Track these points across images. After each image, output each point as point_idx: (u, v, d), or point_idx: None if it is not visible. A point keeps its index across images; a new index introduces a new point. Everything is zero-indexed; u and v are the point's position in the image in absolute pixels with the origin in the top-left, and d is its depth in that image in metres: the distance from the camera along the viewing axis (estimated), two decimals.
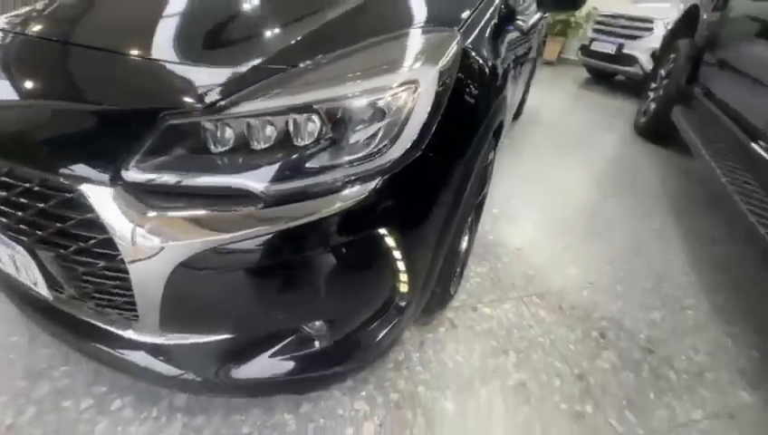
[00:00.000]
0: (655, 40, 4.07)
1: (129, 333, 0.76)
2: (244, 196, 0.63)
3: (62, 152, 0.64)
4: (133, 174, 0.62)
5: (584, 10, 5.85)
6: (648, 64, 4.15)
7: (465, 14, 0.91)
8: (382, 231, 0.72)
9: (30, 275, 0.76)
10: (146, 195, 0.63)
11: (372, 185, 0.67)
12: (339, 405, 1.05)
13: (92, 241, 0.65)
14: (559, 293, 1.50)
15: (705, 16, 2.62)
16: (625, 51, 4.39)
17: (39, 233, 0.67)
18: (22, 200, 0.67)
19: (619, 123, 3.70)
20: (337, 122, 0.65)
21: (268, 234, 0.63)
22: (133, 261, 0.63)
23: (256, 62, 0.69)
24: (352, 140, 0.65)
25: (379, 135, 0.67)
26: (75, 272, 0.70)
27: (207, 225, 0.62)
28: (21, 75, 0.74)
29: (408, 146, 0.70)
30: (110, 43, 0.75)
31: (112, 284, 0.70)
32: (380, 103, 0.66)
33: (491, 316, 1.37)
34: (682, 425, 1.08)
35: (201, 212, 0.62)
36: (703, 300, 1.55)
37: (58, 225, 0.65)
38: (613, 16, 4.67)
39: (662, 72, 3.19)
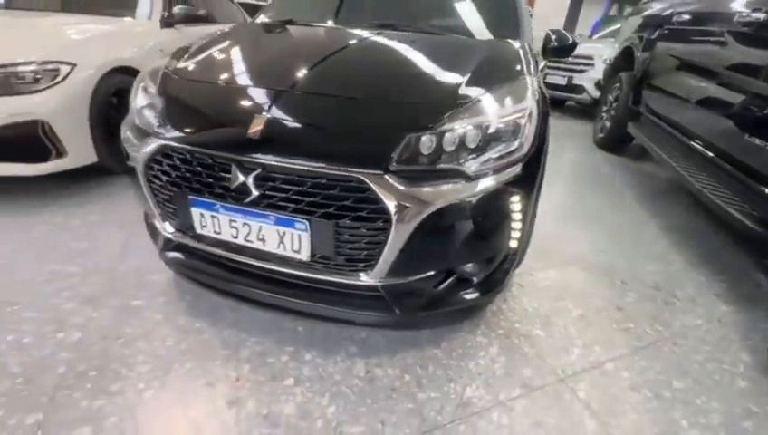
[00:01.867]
0: (596, 72, 5.03)
1: (361, 280, 1.12)
2: (453, 175, 1.05)
3: (348, 156, 1.02)
4: (395, 166, 1.02)
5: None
6: (593, 92, 5.08)
7: (532, 65, 1.43)
8: (520, 197, 1.16)
9: (294, 245, 1.10)
10: (403, 179, 1.02)
11: (519, 167, 1.13)
12: (466, 341, 1.43)
13: (367, 211, 1.02)
14: (583, 258, 2.00)
15: (638, 55, 3.47)
16: (574, 82, 5.34)
17: (324, 210, 1.03)
18: (310, 189, 1.03)
19: (579, 139, 4.49)
20: (497, 132, 1.11)
21: (470, 199, 1.05)
22: (396, 221, 1.01)
23: (449, 99, 1.14)
24: (506, 142, 1.11)
25: (518, 139, 1.13)
26: (341, 236, 1.06)
27: (439, 194, 1.03)
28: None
29: (531, 143, 1.16)
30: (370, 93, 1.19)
31: (371, 240, 1.06)
32: (517, 121, 1.13)
33: (544, 278, 1.82)
34: (693, 328, 1.58)
35: (437, 187, 1.03)
36: (678, 255, 2.12)
37: (342, 203, 1.02)
38: None
39: (610, 97, 4.03)
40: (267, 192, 1.07)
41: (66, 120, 2.16)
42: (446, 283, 1.20)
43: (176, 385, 1.19)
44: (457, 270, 1.21)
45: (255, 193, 1.07)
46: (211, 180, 1.12)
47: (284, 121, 1.10)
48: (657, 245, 2.22)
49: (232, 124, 1.12)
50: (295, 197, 1.05)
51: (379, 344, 1.40)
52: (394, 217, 1.01)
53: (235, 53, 1.46)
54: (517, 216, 1.22)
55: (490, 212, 1.12)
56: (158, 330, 1.39)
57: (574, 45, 2.17)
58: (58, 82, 2.13)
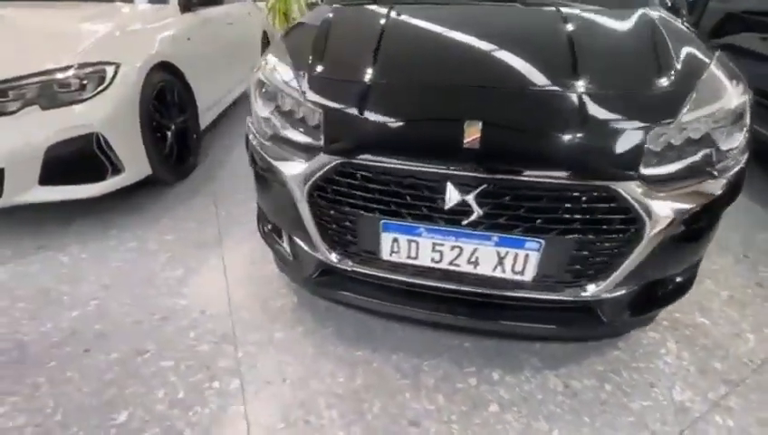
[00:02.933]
0: None
1: (583, 295, 1.01)
2: (700, 174, 0.95)
3: (593, 163, 0.89)
4: (645, 170, 0.90)
5: None
6: None
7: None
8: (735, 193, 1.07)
9: (516, 266, 0.98)
10: (654, 183, 0.90)
11: (746, 157, 1.03)
12: (640, 338, 1.37)
13: (616, 222, 0.90)
14: None
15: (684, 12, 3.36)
16: None
17: (563, 226, 0.91)
18: (546, 204, 0.90)
19: None
20: (726, 121, 0.99)
21: (715, 197, 0.95)
22: (650, 230, 0.90)
23: (669, 87, 1.00)
24: (734, 131, 1.00)
25: (744, 127, 1.02)
26: (580, 252, 0.95)
27: (693, 196, 0.92)
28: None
29: (749, 131, 1.06)
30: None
31: (611, 253, 0.95)
32: (739, 109, 1.01)
33: None
34: None
35: (690, 189, 0.92)
36: None
37: (586, 216, 0.90)
38: None
39: None
40: (491, 211, 0.93)
41: (120, 130, 1.88)
42: (655, 287, 1.12)
43: (379, 429, 1.08)
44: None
45: (478, 212, 0.92)
46: (414, 201, 0.96)
47: (503, 126, 0.94)
48: (752, 211, 2.20)
49: (438, 133, 0.96)
50: (527, 214, 0.92)
51: (557, 353, 1.31)
52: (648, 226, 0.90)
53: (386, 42, 1.22)
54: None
55: (720, 209, 1.03)
56: (330, 367, 1.25)
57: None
58: (106, 87, 1.83)
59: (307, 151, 1.06)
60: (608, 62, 1.10)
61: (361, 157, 0.97)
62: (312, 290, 1.35)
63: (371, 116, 0.99)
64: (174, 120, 2.35)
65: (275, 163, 1.11)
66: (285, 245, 1.29)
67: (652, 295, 1.12)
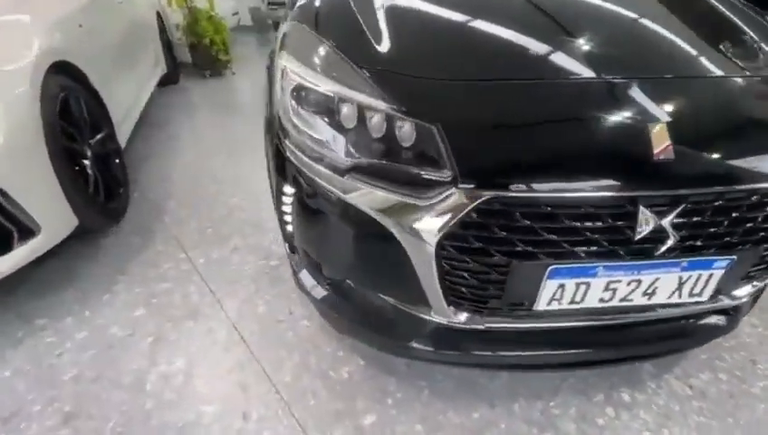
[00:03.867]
0: None
1: (739, 296, 0.92)
2: None
3: None
4: None
5: None
6: None
7: None
8: None
9: (696, 289, 0.82)
10: None
11: None
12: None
13: None
14: None
15: None
16: None
17: (758, 237, 0.77)
18: (744, 215, 0.75)
19: None
20: None
21: None
22: None
23: None
24: None
25: None
26: (761, 261, 0.83)
27: None
28: None
29: None
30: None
31: None
32: None
33: None
34: None
35: None
36: None
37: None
38: None
39: None
40: (687, 233, 0.75)
41: (22, 173, 1.24)
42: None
43: None
44: None
45: (675, 237, 0.74)
46: (593, 236, 0.73)
47: (698, 128, 0.75)
48: None
49: (621, 145, 0.72)
50: (725, 230, 0.76)
51: None
52: None
53: (488, 23, 0.92)
54: None
55: None
56: None
57: None
58: None
59: (423, 187, 0.75)
60: (751, 38, 0.98)
61: (519, 188, 0.70)
62: (408, 355, 1.05)
63: (525, 131, 0.72)
64: (89, 142, 1.69)
65: (368, 208, 0.77)
66: (367, 306, 0.96)
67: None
